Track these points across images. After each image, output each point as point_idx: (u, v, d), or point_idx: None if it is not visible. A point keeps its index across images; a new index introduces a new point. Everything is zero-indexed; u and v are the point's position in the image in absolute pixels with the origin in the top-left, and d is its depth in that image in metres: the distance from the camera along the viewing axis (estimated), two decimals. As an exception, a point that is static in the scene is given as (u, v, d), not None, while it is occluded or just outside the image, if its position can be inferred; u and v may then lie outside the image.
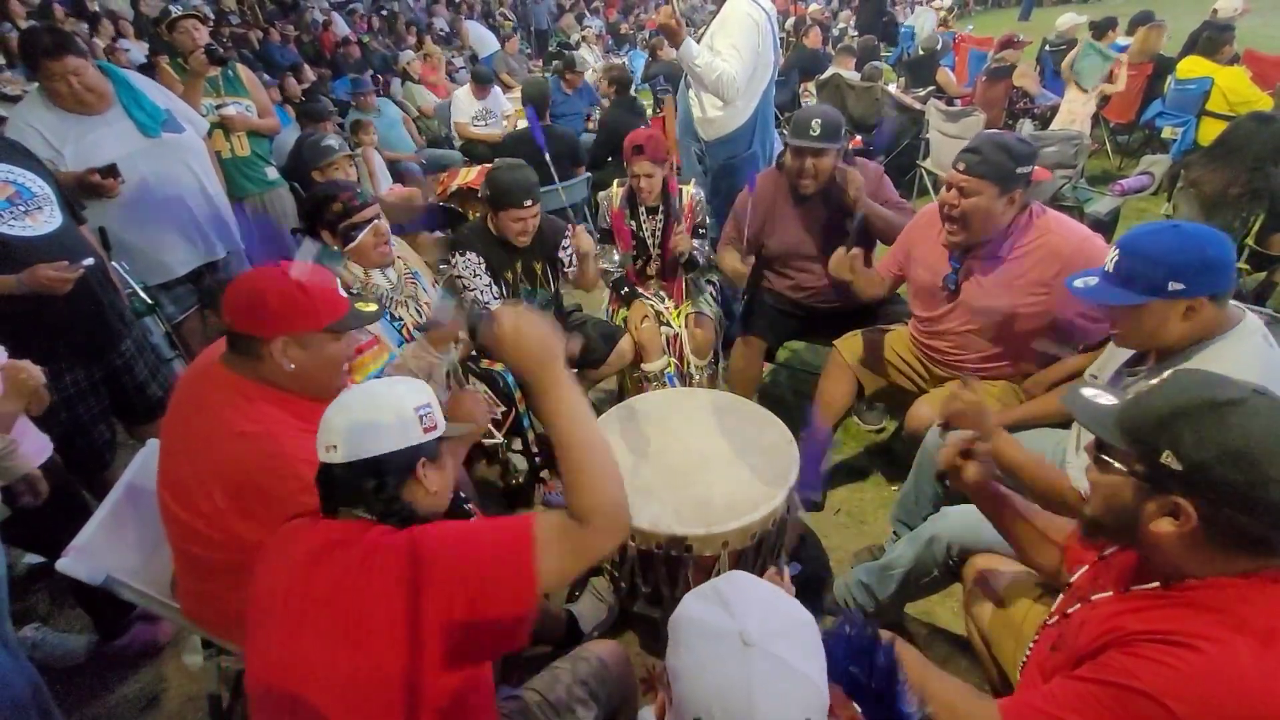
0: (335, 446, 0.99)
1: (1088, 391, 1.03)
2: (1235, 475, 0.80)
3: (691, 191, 2.75)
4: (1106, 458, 0.93)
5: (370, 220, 1.95)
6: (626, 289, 2.71)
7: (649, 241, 2.76)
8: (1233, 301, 1.32)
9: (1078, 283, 1.40)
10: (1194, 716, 0.80)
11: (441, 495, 1.08)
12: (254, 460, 1.23)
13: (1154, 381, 0.93)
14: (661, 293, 2.82)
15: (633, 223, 2.73)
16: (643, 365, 2.64)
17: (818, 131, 2.21)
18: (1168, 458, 0.84)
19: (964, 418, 1.43)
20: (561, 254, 2.52)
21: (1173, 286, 1.24)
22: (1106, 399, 1.00)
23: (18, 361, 1.58)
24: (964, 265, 1.92)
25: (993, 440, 1.41)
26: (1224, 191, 2.45)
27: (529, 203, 2.25)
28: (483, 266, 2.37)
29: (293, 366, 1.30)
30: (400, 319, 2.05)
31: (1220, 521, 0.82)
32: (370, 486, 0.99)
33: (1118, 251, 1.33)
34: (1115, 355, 1.55)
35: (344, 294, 1.40)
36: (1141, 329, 1.33)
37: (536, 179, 2.31)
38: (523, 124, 4.93)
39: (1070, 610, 1.04)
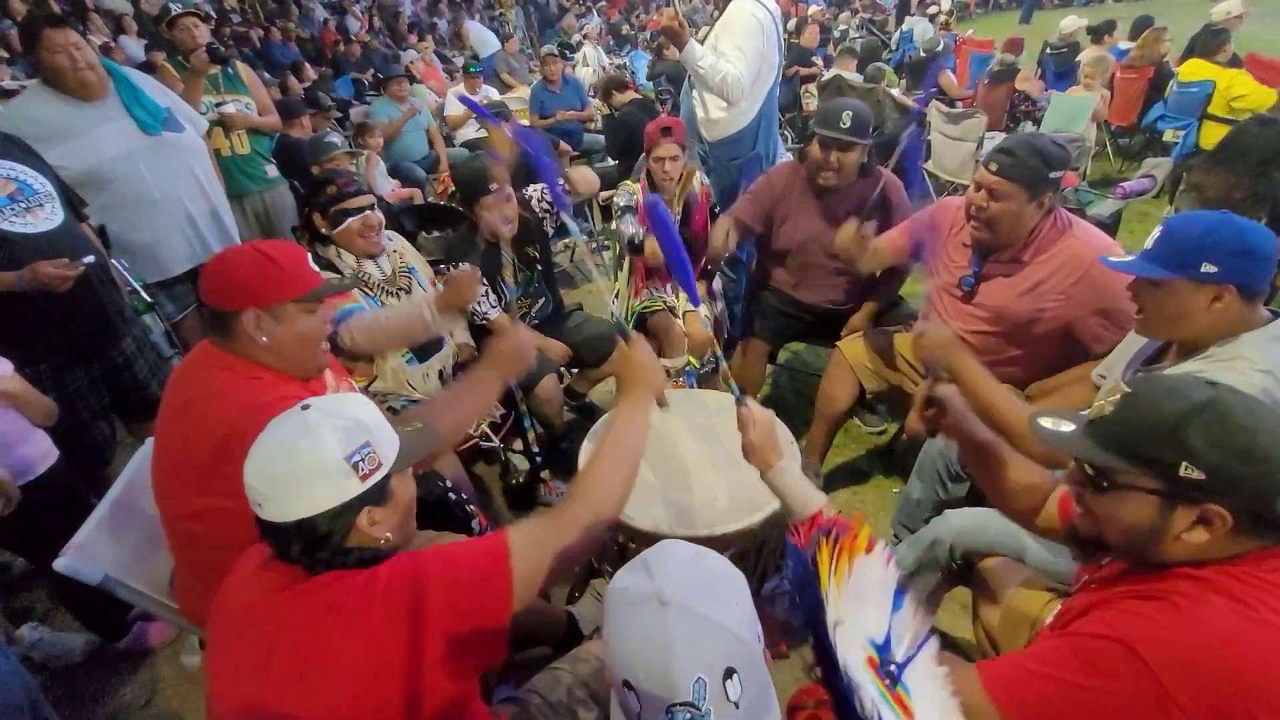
0: (260, 505, 0.91)
1: (1046, 422, 1.01)
2: (1246, 470, 0.82)
3: (700, 177, 2.74)
4: (1111, 481, 0.91)
5: (362, 210, 2.00)
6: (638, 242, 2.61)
7: None
8: (1266, 308, 1.27)
9: (1113, 258, 1.36)
10: (1164, 665, 0.81)
11: (400, 530, 1.01)
12: (235, 411, 1.22)
13: (1115, 398, 0.93)
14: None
15: None
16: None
17: (848, 124, 2.18)
18: (1187, 470, 0.84)
19: (935, 355, 1.51)
20: (532, 191, 2.50)
21: (1205, 268, 1.19)
22: (1067, 425, 0.99)
23: (23, 390, 1.66)
24: (984, 268, 1.88)
25: (963, 375, 1.46)
26: (1227, 195, 2.44)
27: (495, 186, 2.26)
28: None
29: (265, 340, 1.29)
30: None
31: (1247, 517, 0.83)
32: (304, 547, 0.92)
33: (1161, 228, 1.27)
34: (1127, 351, 1.52)
35: (315, 268, 1.38)
36: (1165, 312, 1.27)
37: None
38: (521, 124, 4.88)
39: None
